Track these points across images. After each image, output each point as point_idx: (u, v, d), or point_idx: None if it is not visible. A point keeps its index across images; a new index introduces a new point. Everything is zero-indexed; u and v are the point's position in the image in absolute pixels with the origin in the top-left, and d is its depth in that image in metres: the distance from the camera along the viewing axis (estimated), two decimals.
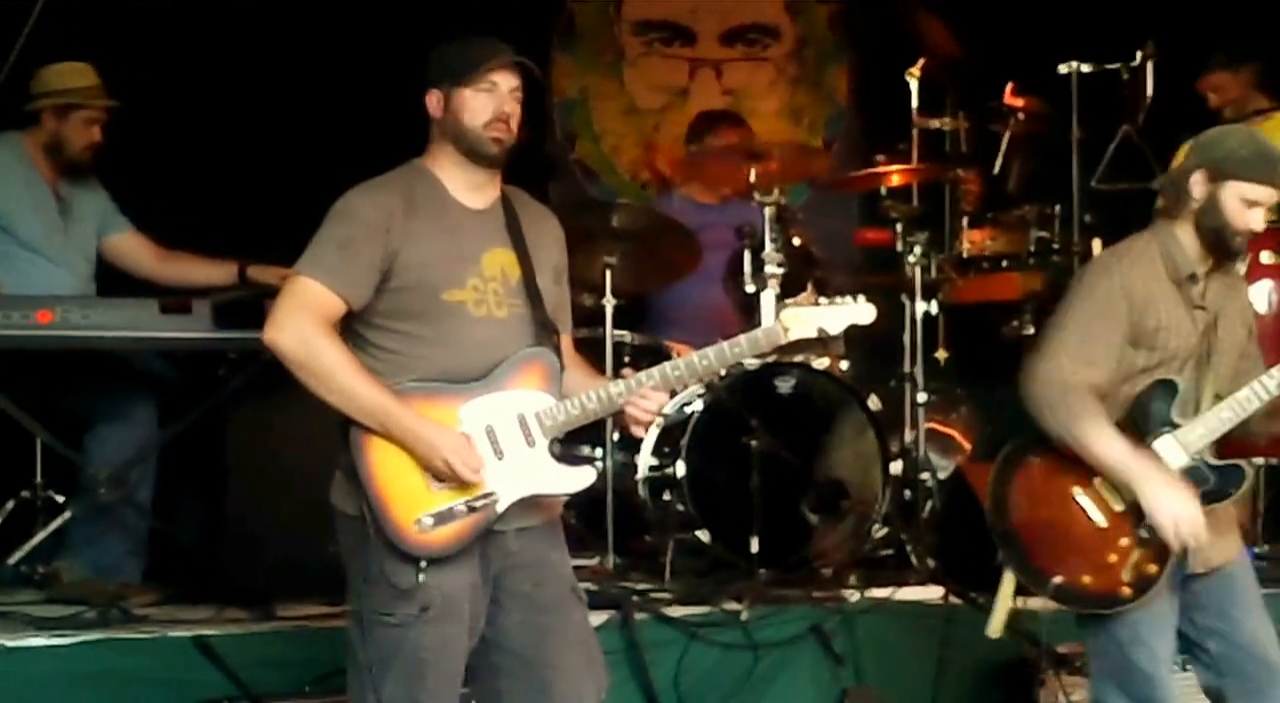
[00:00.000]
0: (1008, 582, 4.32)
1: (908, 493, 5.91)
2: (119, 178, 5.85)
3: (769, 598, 5.32)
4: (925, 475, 5.99)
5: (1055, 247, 6.72)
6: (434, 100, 3.92)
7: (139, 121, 5.87)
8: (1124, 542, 4.19)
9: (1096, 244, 6.68)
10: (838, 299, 4.03)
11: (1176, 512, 4.13)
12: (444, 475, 3.77)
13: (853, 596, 5.38)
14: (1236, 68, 6.59)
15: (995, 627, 4.38)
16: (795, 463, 5.60)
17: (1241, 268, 4.66)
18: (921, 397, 6.10)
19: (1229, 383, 4.32)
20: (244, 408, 5.34)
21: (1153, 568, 4.20)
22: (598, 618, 4.33)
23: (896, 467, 5.78)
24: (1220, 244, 4.28)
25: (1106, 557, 4.19)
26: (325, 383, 3.76)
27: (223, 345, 5.23)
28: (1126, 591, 4.20)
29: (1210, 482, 4.21)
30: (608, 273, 5.69)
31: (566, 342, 4.05)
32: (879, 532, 5.75)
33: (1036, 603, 5.41)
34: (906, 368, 6.12)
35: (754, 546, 5.48)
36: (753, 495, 5.51)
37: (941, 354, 6.69)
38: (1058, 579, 4.21)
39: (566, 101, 7.90)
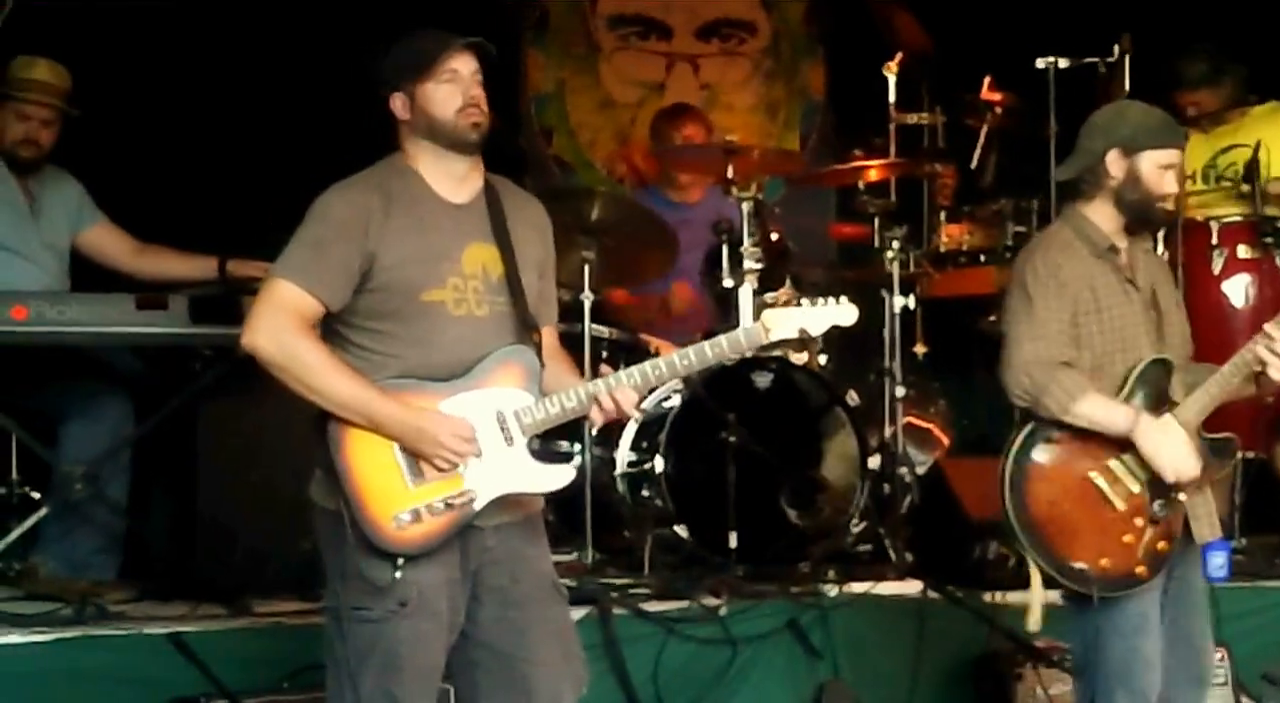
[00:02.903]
0: (1036, 574, 4.34)
1: (886, 488, 5.91)
2: (97, 172, 5.81)
3: (746, 593, 5.32)
4: (903, 470, 5.99)
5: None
6: (399, 103, 3.90)
7: (119, 115, 5.85)
8: (1139, 522, 4.27)
9: None
10: (820, 300, 4.02)
11: (1174, 454, 4.24)
12: (437, 455, 3.75)
13: (830, 590, 5.38)
14: (1217, 83, 6.61)
15: (1034, 621, 4.41)
16: (773, 458, 5.60)
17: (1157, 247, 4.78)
18: (899, 391, 6.10)
19: (1182, 360, 4.44)
20: (215, 404, 5.32)
21: (1163, 545, 4.29)
22: (575, 613, 4.32)
23: (874, 461, 5.78)
24: (1146, 214, 4.42)
25: (1123, 538, 4.26)
26: (306, 383, 3.75)
27: (199, 341, 5.21)
28: (1142, 570, 4.27)
29: (1208, 456, 4.32)
30: (586, 268, 5.67)
31: (550, 336, 4.04)
32: (856, 526, 5.75)
33: (1015, 597, 5.49)
34: (884, 363, 6.12)
35: (731, 541, 5.47)
36: (730, 491, 5.50)
37: (919, 349, 6.69)
38: (1079, 565, 4.25)
39: (541, 96, 7.88)
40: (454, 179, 3.91)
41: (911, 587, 5.48)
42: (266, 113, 6.72)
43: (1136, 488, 4.28)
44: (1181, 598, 4.40)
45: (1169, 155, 4.41)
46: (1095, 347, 4.34)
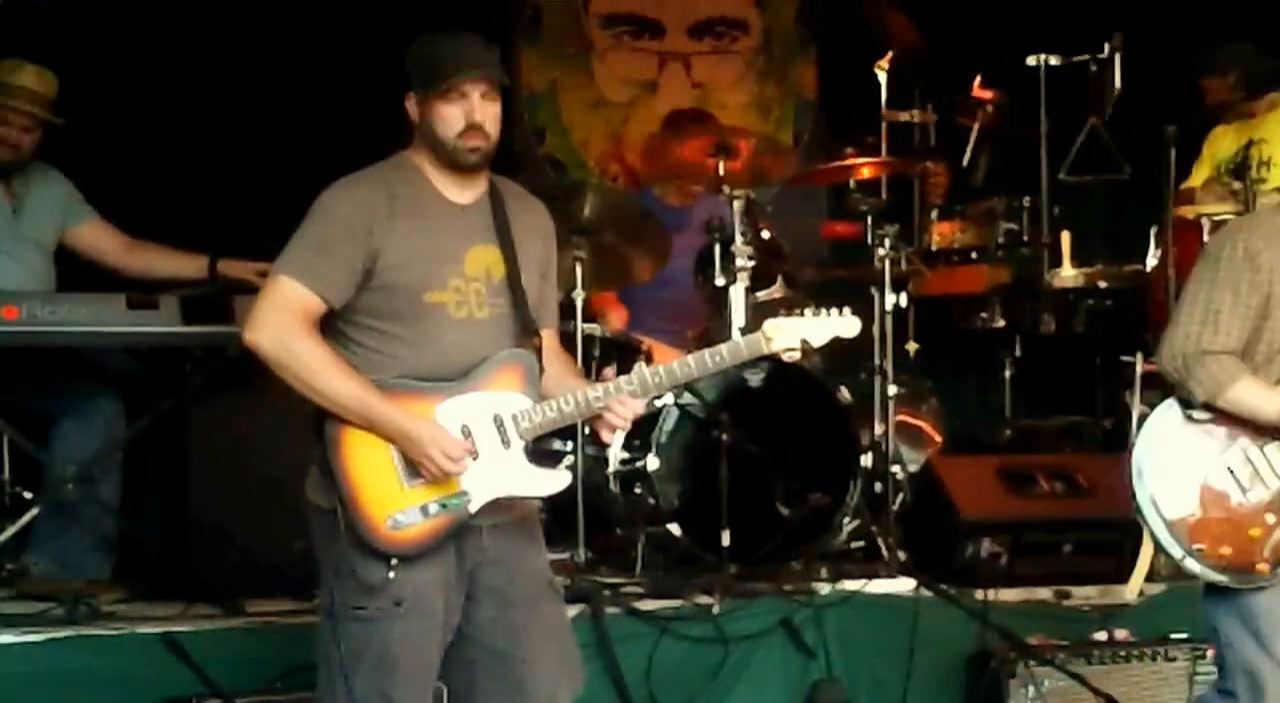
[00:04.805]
0: (1148, 545, 4.30)
1: (878, 486, 5.91)
2: (90, 170, 5.80)
3: (739, 591, 5.32)
4: (895, 468, 5.99)
5: (1024, 239, 6.74)
6: (411, 104, 3.90)
7: (112, 112, 5.83)
8: (1271, 518, 4.15)
9: (1065, 237, 6.72)
10: (823, 311, 4.02)
11: None
12: (425, 467, 3.76)
13: (823, 589, 5.38)
14: (1224, 72, 6.62)
15: (1134, 587, 4.37)
16: (765, 456, 5.60)
17: None
18: (891, 389, 6.09)
19: None
20: (208, 404, 5.31)
21: None
22: (568, 612, 4.32)
23: (866, 459, 5.78)
24: None
25: (1249, 531, 4.15)
26: (306, 382, 3.75)
27: (190, 341, 5.20)
28: (1264, 567, 4.15)
29: None
30: (578, 267, 5.67)
31: (550, 338, 4.03)
32: (849, 525, 5.75)
33: (1008, 595, 5.50)
34: (876, 361, 6.12)
35: (724, 539, 5.47)
36: (723, 489, 5.50)
37: (911, 347, 6.70)
38: (1198, 546, 4.15)
39: (534, 95, 7.87)
40: (458, 181, 3.91)
41: (904, 585, 5.48)
42: (259, 111, 6.71)
43: (1274, 484, 4.16)
44: None
45: None
46: (1269, 341, 4.17)
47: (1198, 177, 6.70)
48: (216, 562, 5.21)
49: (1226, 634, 4.22)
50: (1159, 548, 4.29)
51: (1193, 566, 4.16)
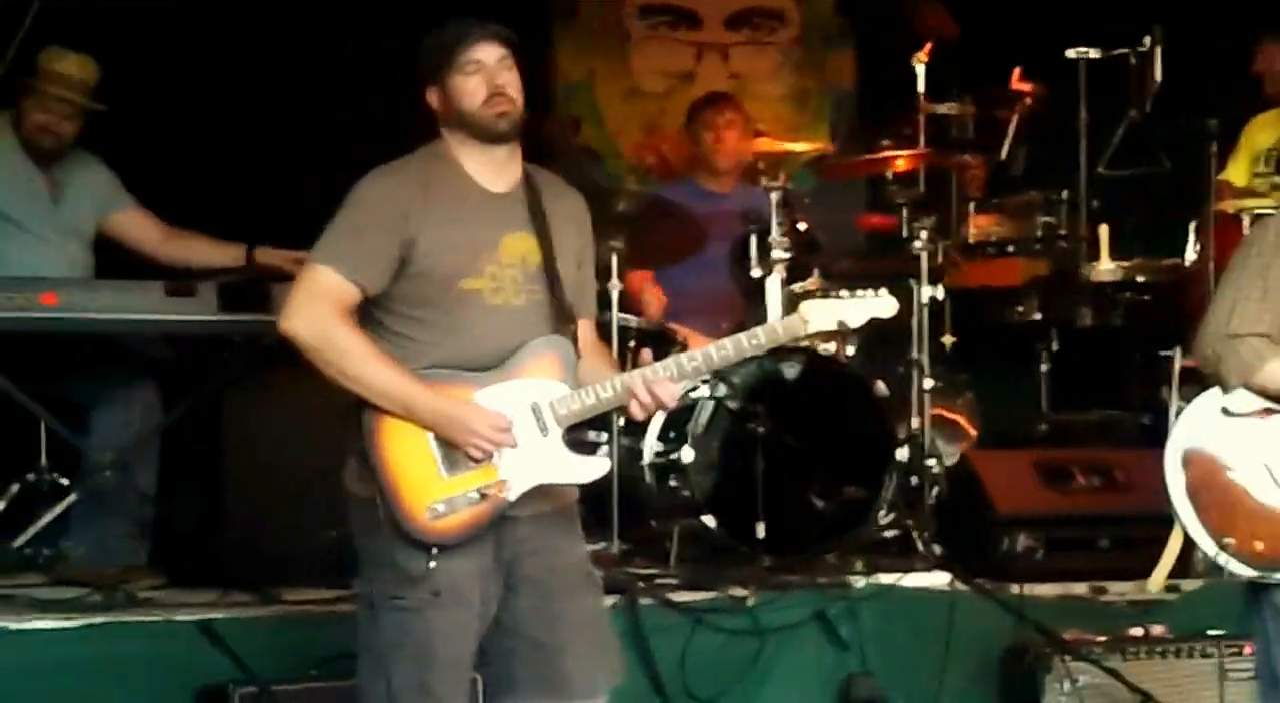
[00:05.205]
0: (1176, 537, 4.27)
1: (913, 479, 5.89)
2: (129, 158, 5.82)
3: (773, 584, 5.31)
4: (931, 461, 5.97)
5: (1061, 233, 6.71)
6: (434, 98, 3.90)
7: (151, 101, 5.85)
8: None
9: (1103, 230, 6.69)
10: (859, 292, 4.00)
11: None
12: (470, 446, 3.75)
13: (858, 582, 5.37)
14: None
15: (1157, 580, 4.33)
16: (800, 448, 5.59)
17: None
18: (927, 383, 6.07)
19: None
20: (244, 392, 5.33)
21: None
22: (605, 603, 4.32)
23: (902, 453, 5.77)
24: None
25: None
26: (343, 370, 3.75)
27: (228, 329, 5.22)
28: None
29: None
30: (614, 258, 5.66)
31: (586, 328, 4.02)
32: (885, 518, 5.73)
33: (1044, 589, 5.48)
34: (912, 354, 6.10)
35: (759, 531, 5.47)
36: (758, 481, 5.49)
37: (947, 340, 6.66)
38: (1229, 540, 4.09)
39: (570, 85, 7.87)
40: (493, 168, 3.90)
41: (939, 579, 5.47)
42: (297, 100, 6.73)
43: None
44: None
45: None
46: None
47: (1234, 170, 6.67)
48: (251, 550, 5.23)
49: (1270, 633, 4.14)
50: (1191, 542, 4.27)
51: (1225, 559, 4.11)
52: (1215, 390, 4.16)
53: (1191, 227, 6.41)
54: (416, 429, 3.78)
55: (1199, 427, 4.16)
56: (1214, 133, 6.30)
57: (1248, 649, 5.12)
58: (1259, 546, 4.09)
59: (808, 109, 8.14)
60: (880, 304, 4.01)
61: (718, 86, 7.65)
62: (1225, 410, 4.14)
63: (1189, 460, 4.15)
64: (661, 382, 3.86)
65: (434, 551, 3.75)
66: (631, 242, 5.75)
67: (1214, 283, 5.40)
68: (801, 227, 5.97)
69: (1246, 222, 6.09)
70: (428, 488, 3.76)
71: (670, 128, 7.40)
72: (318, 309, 3.77)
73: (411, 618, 3.76)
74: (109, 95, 5.66)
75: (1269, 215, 4.34)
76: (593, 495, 5.44)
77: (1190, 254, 6.45)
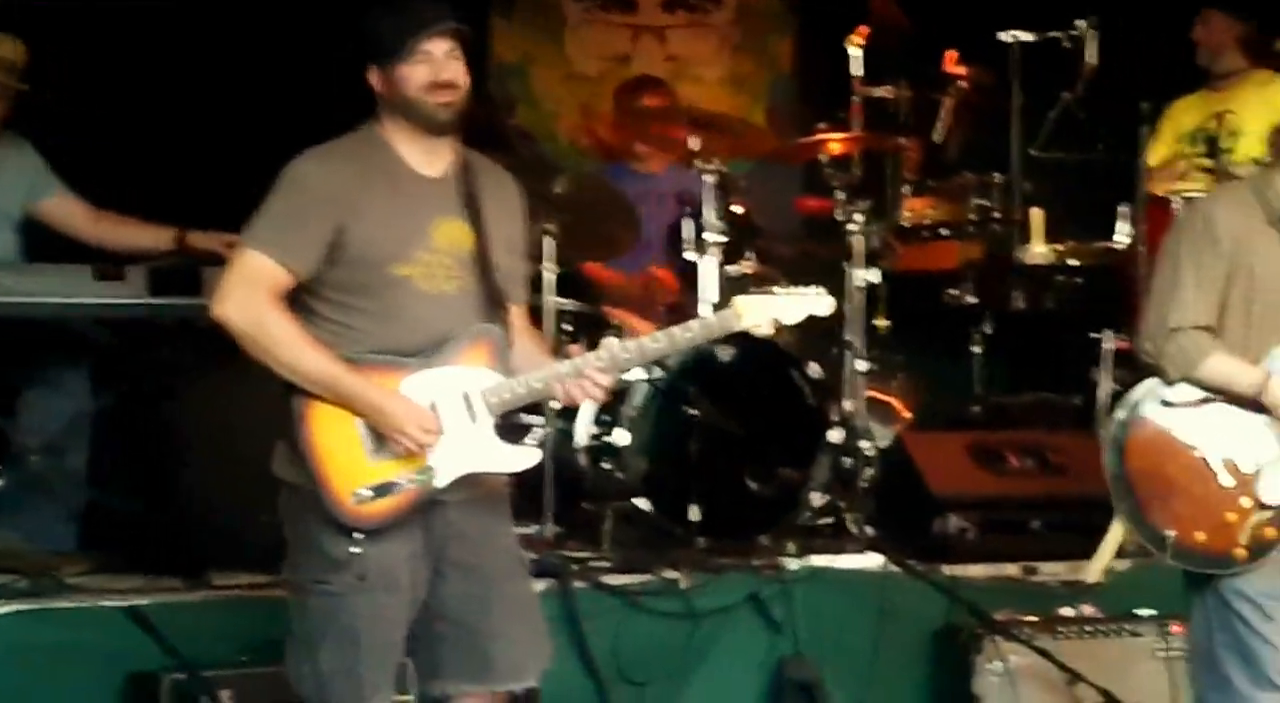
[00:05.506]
0: (1115, 531, 4.26)
1: (847, 461, 5.91)
2: (59, 142, 5.76)
3: (707, 566, 5.31)
4: (864, 444, 5.99)
5: (995, 215, 6.73)
6: (375, 78, 3.88)
7: (81, 85, 5.79)
8: (1245, 503, 4.09)
9: (1036, 214, 6.72)
10: (796, 289, 4.00)
11: None
12: (396, 441, 3.74)
13: (791, 564, 5.38)
14: (1237, 17, 6.61)
15: (1095, 571, 4.33)
16: (735, 431, 5.60)
17: None
18: (862, 365, 6.09)
19: None
20: (180, 376, 5.29)
21: (1273, 532, 4.09)
22: (535, 587, 4.32)
23: (836, 435, 5.77)
24: None
25: (1225, 516, 4.09)
26: (274, 355, 3.74)
27: (158, 313, 5.19)
28: (1241, 552, 4.08)
29: None
30: (547, 240, 5.65)
31: (519, 313, 4.02)
32: (818, 501, 5.75)
33: (977, 570, 5.51)
34: (847, 336, 6.11)
35: (693, 514, 5.47)
36: (692, 464, 5.50)
37: (882, 323, 6.68)
38: (1170, 533, 4.09)
39: (506, 67, 7.84)
40: (427, 153, 3.89)
41: (872, 561, 5.48)
42: (227, 81, 6.67)
43: (1249, 468, 4.09)
44: None
45: None
46: (1237, 315, 4.11)
47: (1155, 154, 6.70)
48: (187, 535, 5.19)
49: (1217, 620, 4.15)
50: (1134, 533, 4.27)
51: (1168, 552, 4.11)
52: (1153, 382, 4.16)
53: (1123, 210, 6.45)
54: (345, 415, 3.77)
55: (1138, 419, 4.16)
56: (1147, 116, 6.34)
57: (1177, 629, 5.17)
58: (1200, 537, 4.10)
59: (745, 92, 8.13)
60: (816, 302, 4.02)
61: (654, 69, 7.64)
62: (1165, 402, 4.14)
63: (1129, 453, 4.15)
64: (594, 372, 3.86)
65: (357, 536, 3.73)
66: (570, 224, 5.73)
67: (1146, 266, 5.44)
68: (737, 209, 5.97)
69: (1178, 204, 6.12)
70: (355, 474, 3.75)
71: (606, 110, 7.37)
72: (250, 294, 3.75)
73: (338, 603, 3.76)
74: (38, 77, 5.60)
75: (1197, 199, 4.34)
76: (527, 479, 5.42)
77: (1121, 237, 6.48)
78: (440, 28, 3.83)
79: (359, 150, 3.87)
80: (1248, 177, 4.23)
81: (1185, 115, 6.68)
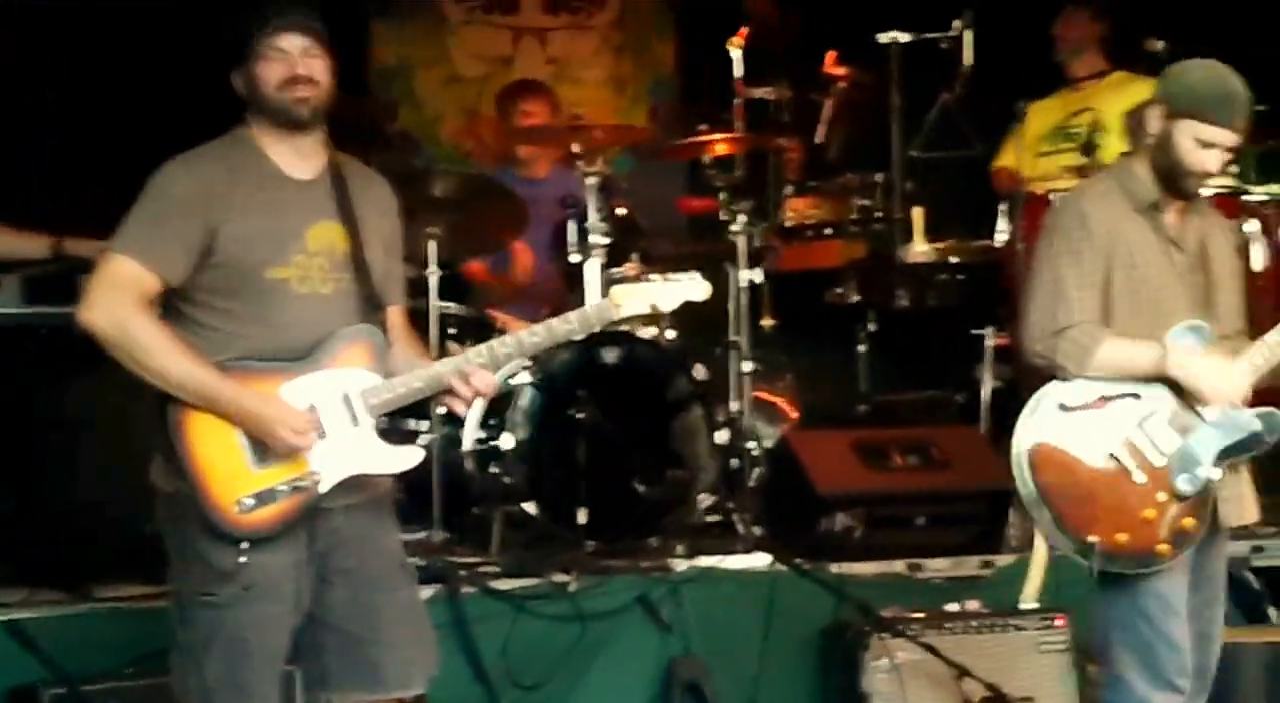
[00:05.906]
0: (1039, 548, 4.23)
1: (734, 461, 5.93)
2: None
3: (596, 569, 5.31)
4: (751, 444, 6.01)
5: (877, 215, 6.80)
6: (238, 83, 3.86)
7: None
8: (1161, 497, 4.08)
9: (917, 213, 6.78)
10: (671, 276, 4.01)
11: (1214, 375, 4.06)
12: (272, 445, 3.71)
13: (679, 565, 5.39)
14: (1097, 17, 6.70)
15: (1029, 594, 4.30)
16: (622, 434, 5.60)
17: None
18: (747, 365, 6.12)
19: (1231, 333, 4.23)
20: (58, 384, 5.21)
21: (1190, 522, 4.09)
22: (424, 592, 4.29)
23: (722, 435, 5.79)
24: (1172, 183, 4.16)
25: (1143, 513, 4.08)
26: (141, 362, 3.69)
27: (33, 321, 5.12)
28: (1164, 547, 4.08)
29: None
30: (431, 244, 5.62)
31: (396, 315, 4.00)
32: (706, 501, 5.76)
33: (863, 568, 5.55)
34: (732, 337, 6.14)
35: (581, 517, 5.46)
36: (580, 466, 5.49)
37: (767, 323, 6.72)
38: (1093, 538, 4.05)
39: (387, 70, 7.80)
40: (298, 155, 3.86)
41: (760, 560, 5.50)
42: (103, 88, 6.59)
43: (1160, 461, 4.09)
44: (1202, 587, 4.22)
45: (1213, 133, 4.07)
46: (1123, 307, 4.13)
47: (1008, 156, 6.78)
48: (65, 546, 5.11)
49: (1119, 618, 4.17)
50: (1052, 542, 4.22)
51: (1094, 559, 4.08)
52: (1049, 387, 4.14)
53: (1002, 208, 6.53)
54: (223, 422, 3.72)
55: (1040, 427, 4.13)
56: (1023, 114, 6.42)
57: (1059, 622, 5.23)
58: (1123, 538, 4.09)
59: (627, 93, 8.15)
60: (692, 287, 4.03)
61: (536, 71, 7.64)
62: (1063, 406, 4.13)
63: (1037, 464, 4.12)
64: (476, 370, 3.85)
65: (244, 545, 3.70)
66: (454, 226, 5.71)
67: (1025, 263, 5.49)
68: (621, 211, 5.97)
69: (1055, 202, 6.19)
70: (237, 481, 3.71)
71: (489, 113, 7.36)
72: (116, 300, 3.70)
73: (223, 614, 3.71)
74: None
75: (1065, 197, 4.39)
76: (414, 484, 5.43)
77: (1001, 235, 6.56)
78: (291, 23, 3.81)
79: (228, 154, 3.84)
80: (1110, 168, 4.25)
81: (1044, 115, 6.76)
